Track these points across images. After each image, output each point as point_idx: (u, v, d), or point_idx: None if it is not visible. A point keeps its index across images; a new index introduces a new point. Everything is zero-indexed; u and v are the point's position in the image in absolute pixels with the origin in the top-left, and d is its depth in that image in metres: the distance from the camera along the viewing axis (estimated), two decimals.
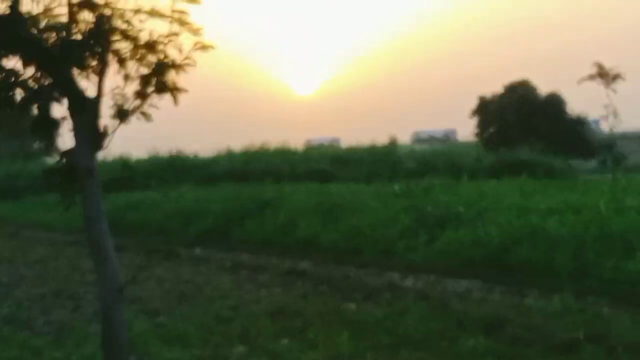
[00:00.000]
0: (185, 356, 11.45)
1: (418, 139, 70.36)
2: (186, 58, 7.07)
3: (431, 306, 14.93)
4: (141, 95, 7.04)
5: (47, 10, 6.75)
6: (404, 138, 60.35)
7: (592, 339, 11.49)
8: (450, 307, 14.70)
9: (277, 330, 13.46)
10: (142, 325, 13.99)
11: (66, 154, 6.87)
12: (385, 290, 17.18)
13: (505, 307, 14.63)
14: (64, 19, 6.76)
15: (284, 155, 52.73)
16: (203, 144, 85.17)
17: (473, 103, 75.09)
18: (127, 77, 7.04)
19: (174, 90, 7.14)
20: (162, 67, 7.02)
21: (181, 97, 7.27)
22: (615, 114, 68.63)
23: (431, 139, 71.99)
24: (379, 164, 48.26)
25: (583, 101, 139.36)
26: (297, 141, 59.09)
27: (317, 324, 13.73)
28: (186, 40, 7.08)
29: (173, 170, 49.60)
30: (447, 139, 74.80)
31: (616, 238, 16.51)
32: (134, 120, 7.18)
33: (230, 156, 54.81)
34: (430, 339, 12.39)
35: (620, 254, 15.92)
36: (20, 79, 6.65)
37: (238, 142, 62.17)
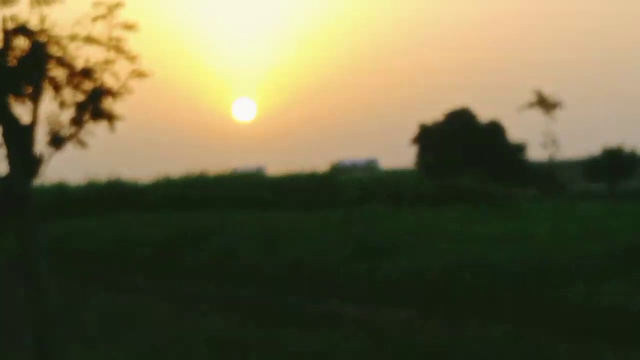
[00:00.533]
0: None
1: (339, 169, 69.89)
2: (123, 86, 6.99)
3: (371, 335, 14.90)
4: (77, 122, 6.94)
5: None
6: (322, 167, 59.95)
7: None
8: (390, 336, 14.68)
9: (216, 359, 13.35)
10: (79, 355, 13.79)
11: (1, 181, 6.75)
12: (325, 319, 17.14)
13: (445, 336, 14.66)
14: None
15: (223, 182, 52.56)
16: (141, 170, 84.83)
17: (397, 130, 75.64)
18: (63, 104, 6.93)
19: (110, 117, 7.05)
20: (98, 94, 6.93)
21: (119, 123, 7.18)
22: (555, 142, 69.44)
23: (354, 168, 71.95)
24: (318, 192, 48.33)
25: (523, 129, 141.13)
26: (222, 168, 58.76)
27: (257, 353, 13.63)
28: (123, 67, 7.01)
29: (111, 197, 49.27)
30: (370, 168, 74.89)
31: (556, 266, 16.64)
32: (71, 146, 7.07)
33: (168, 183, 54.53)
34: None
35: (560, 282, 16.04)
36: None
37: (176, 168, 61.99)
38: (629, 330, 13.13)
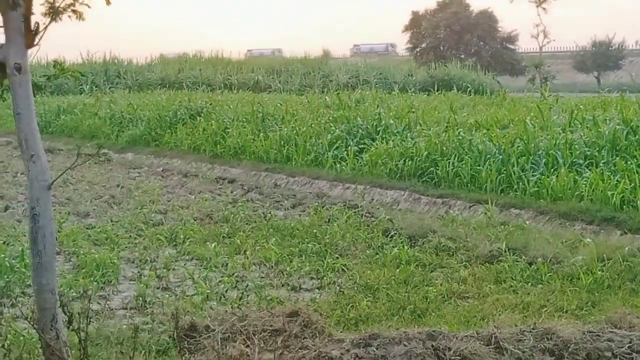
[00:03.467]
0: (113, 257, 11.53)
1: (358, 52, 69.86)
2: None
3: (358, 215, 15.16)
4: None
5: None
6: (344, 51, 60.17)
7: (514, 250, 11.79)
8: (376, 216, 14.94)
9: (205, 235, 13.63)
10: (72, 227, 14.05)
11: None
12: (314, 199, 17.40)
13: (430, 218, 14.93)
14: None
15: (217, 64, 52.35)
16: (137, 50, 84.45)
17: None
18: None
19: None
20: None
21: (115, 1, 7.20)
22: (545, 34, 69.00)
23: (371, 52, 71.64)
24: (311, 76, 48.25)
25: (514, 19, 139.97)
26: (237, 50, 58.73)
27: (245, 230, 13.90)
28: None
29: (107, 75, 49.15)
30: (387, 52, 74.58)
31: (541, 154, 16.82)
32: (69, 26, 7.11)
33: (163, 63, 54.32)
34: (356, 246, 12.65)
35: (543, 169, 16.24)
36: None
37: (172, 49, 61.67)
38: (609, 216, 13.37)
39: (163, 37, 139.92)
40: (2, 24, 6.59)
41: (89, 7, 7.08)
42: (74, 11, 7.02)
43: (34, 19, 6.71)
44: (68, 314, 6.49)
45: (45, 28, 6.77)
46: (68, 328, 6.49)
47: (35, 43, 6.68)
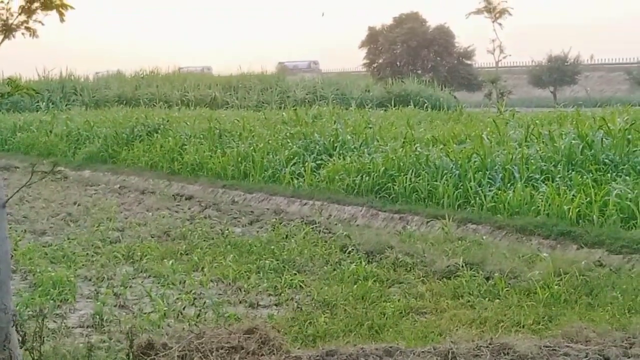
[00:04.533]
0: (70, 275, 11.45)
1: (284, 69, 70.52)
2: None
3: (315, 231, 15.17)
4: (26, 10, 6.94)
5: None
6: (271, 68, 60.86)
7: (471, 265, 11.85)
8: (334, 232, 14.95)
9: (162, 252, 13.57)
10: (28, 245, 13.94)
11: None
12: (271, 215, 17.39)
13: (387, 234, 14.95)
14: None
15: (174, 81, 52.28)
16: (94, 67, 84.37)
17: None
18: None
19: (59, 6, 7.05)
20: None
21: (69, 16, 7.19)
22: (501, 49, 69.64)
23: (295, 68, 72.01)
24: (269, 92, 48.32)
25: (470, 35, 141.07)
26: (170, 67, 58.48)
27: (203, 247, 13.86)
28: None
29: (63, 92, 48.93)
30: (310, 69, 74.96)
31: (497, 169, 16.94)
32: (23, 44, 7.08)
33: (120, 80, 54.16)
34: (314, 262, 12.64)
35: (500, 184, 16.34)
36: None
37: (128, 66, 61.59)
38: (565, 231, 13.47)
39: (119, 54, 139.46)
40: None
41: (42, 24, 7.06)
42: (27, 28, 7.00)
43: None
44: (22, 333, 6.43)
45: None
46: (21, 347, 6.43)
47: None
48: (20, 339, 6.46)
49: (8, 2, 6.91)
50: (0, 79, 43.96)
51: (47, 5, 7.00)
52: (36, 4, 6.97)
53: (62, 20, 7.15)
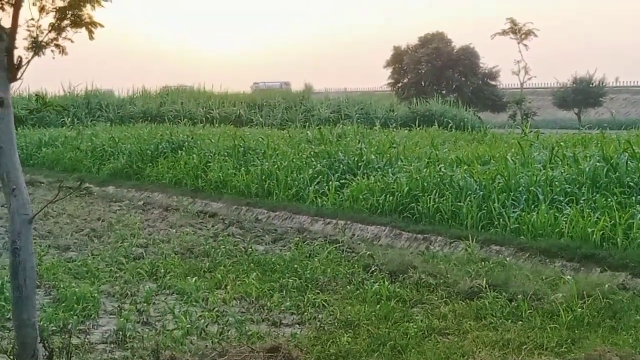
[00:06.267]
0: (94, 291, 11.49)
1: (257, 89, 71.21)
2: None
3: (339, 250, 15.18)
4: (56, 28, 7.00)
5: None
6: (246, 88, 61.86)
7: (494, 287, 11.82)
8: (357, 252, 14.95)
9: (186, 269, 13.59)
10: (52, 260, 14.01)
11: None
12: (295, 234, 17.40)
13: (411, 254, 14.92)
14: None
15: (199, 98, 52.50)
16: (119, 83, 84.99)
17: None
18: (42, 9, 6.99)
19: (89, 24, 7.11)
20: (78, 0, 6.98)
21: (98, 33, 7.25)
22: (527, 70, 69.39)
23: (268, 89, 72.37)
24: (293, 110, 48.40)
25: (496, 56, 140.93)
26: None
27: (226, 265, 13.88)
28: None
29: (88, 108, 49.18)
30: (282, 89, 75.27)
31: (521, 190, 16.89)
32: (50, 58, 7.13)
33: (145, 97, 54.41)
34: (337, 282, 12.64)
35: (524, 205, 16.30)
36: None
37: (153, 83, 61.92)
38: (589, 253, 13.41)
39: (145, 70, 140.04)
40: None
41: (72, 41, 7.12)
42: (57, 45, 7.06)
43: (16, 52, 6.73)
44: (49, 349, 6.47)
45: (28, 62, 6.81)
46: None
47: (18, 77, 6.70)
48: (47, 354, 6.50)
49: (38, 20, 6.97)
50: (27, 93, 44.20)
51: (76, 23, 7.06)
52: (66, 22, 7.02)
53: (91, 38, 7.22)
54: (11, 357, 6.70)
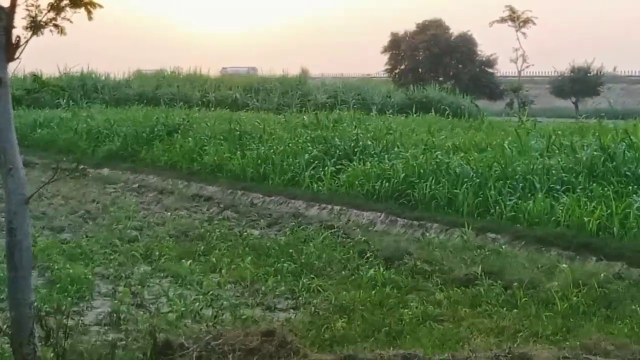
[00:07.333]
0: (88, 273, 11.48)
1: (226, 74, 71.37)
2: None
3: (334, 236, 15.15)
4: (55, 7, 6.94)
5: None
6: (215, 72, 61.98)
7: (490, 274, 11.80)
8: (352, 237, 14.95)
9: (180, 252, 13.58)
10: (46, 241, 13.97)
11: None
12: (290, 219, 17.39)
13: (406, 240, 14.93)
14: None
15: (195, 81, 52.38)
16: (115, 65, 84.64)
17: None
18: None
19: (88, 4, 7.06)
20: None
21: (96, 14, 7.19)
22: (524, 58, 69.36)
23: (235, 73, 72.36)
24: (289, 95, 48.27)
25: (493, 44, 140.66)
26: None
27: (221, 249, 13.86)
28: None
29: (84, 90, 49.01)
30: (249, 74, 75.22)
31: (518, 178, 16.88)
32: (47, 38, 7.08)
33: (141, 79, 54.27)
34: (332, 267, 12.63)
35: (521, 193, 16.29)
36: None
37: (150, 65, 61.66)
38: (585, 242, 13.42)
39: (140, 52, 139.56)
40: None
41: (71, 22, 7.07)
42: (55, 25, 7.00)
43: (15, 32, 6.68)
44: (46, 329, 6.45)
45: (27, 42, 6.75)
46: (44, 343, 6.45)
47: (16, 57, 6.66)
48: (44, 334, 6.48)
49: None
50: (22, 74, 44.03)
51: (75, 3, 7.00)
52: (65, 1, 6.97)
53: (89, 18, 7.16)
54: (7, 336, 6.68)
